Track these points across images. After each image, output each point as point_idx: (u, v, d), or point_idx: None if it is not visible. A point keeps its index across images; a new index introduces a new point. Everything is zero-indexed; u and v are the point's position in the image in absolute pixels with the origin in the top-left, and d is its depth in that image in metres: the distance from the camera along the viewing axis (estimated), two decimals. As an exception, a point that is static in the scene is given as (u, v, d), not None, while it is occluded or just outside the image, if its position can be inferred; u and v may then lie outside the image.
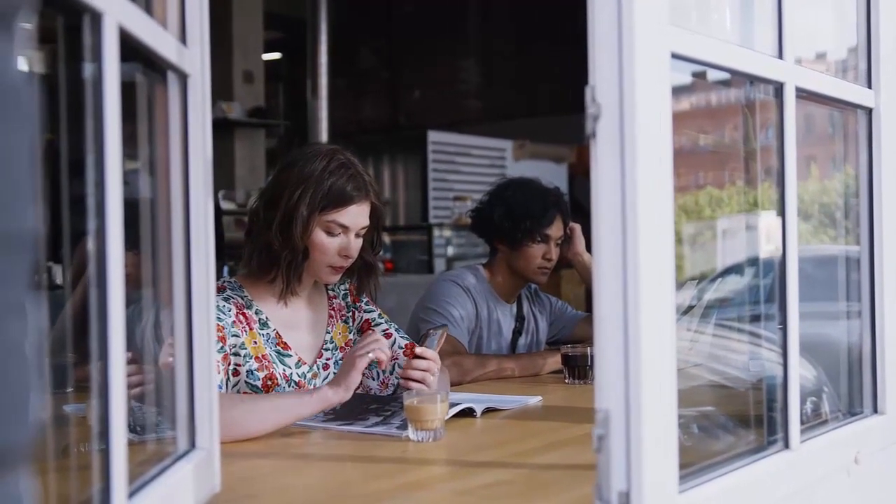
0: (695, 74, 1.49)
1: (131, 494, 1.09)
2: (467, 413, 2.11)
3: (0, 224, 0.57)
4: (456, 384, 2.70)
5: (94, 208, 1.01)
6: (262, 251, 2.22)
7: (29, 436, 0.60)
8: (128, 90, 1.09)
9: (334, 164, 2.20)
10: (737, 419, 1.74)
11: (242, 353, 2.15)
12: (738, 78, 1.61)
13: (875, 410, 1.82)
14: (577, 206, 4.76)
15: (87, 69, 1.02)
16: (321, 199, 2.17)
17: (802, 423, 1.56)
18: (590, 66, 1.20)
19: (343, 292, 2.43)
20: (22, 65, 0.61)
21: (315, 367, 2.30)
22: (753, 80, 1.57)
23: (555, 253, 3.03)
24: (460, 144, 8.20)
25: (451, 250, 7.50)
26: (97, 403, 1.02)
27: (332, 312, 2.39)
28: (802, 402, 1.61)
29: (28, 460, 0.60)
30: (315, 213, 2.18)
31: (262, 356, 2.20)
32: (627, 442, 1.17)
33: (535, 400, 2.36)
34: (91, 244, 1.01)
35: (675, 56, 1.26)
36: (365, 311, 2.44)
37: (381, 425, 1.98)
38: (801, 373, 1.58)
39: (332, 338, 2.37)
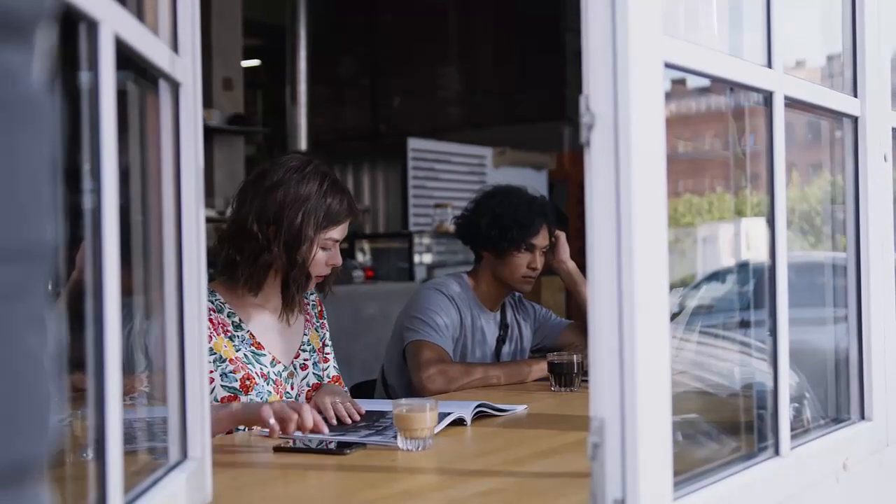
0: (674, 81, 1.49)
1: (126, 506, 1.08)
2: (457, 421, 2.11)
3: (20, 235, 0.57)
4: (442, 392, 2.70)
5: (90, 216, 1.01)
6: (261, 270, 2.26)
7: (49, 447, 0.60)
8: (118, 98, 1.08)
9: (328, 184, 2.29)
10: (724, 426, 1.75)
11: (212, 357, 2.17)
12: (720, 85, 1.62)
13: (862, 417, 1.83)
14: (557, 213, 4.77)
15: (83, 77, 1.02)
16: (324, 219, 2.27)
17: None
18: (584, 75, 1.20)
19: (312, 302, 2.51)
20: (42, 75, 0.61)
21: (292, 367, 2.36)
22: (744, 88, 1.58)
23: (540, 262, 3.03)
24: (440, 152, 8.20)
25: (431, 258, 7.49)
26: (93, 414, 1.02)
27: (308, 316, 2.47)
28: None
29: (47, 471, 0.60)
30: (319, 233, 2.27)
31: (236, 358, 2.24)
32: (623, 450, 1.17)
33: (521, 408, 2.36)
34: (87, 253, 1.01)
35: (667, 65, 1.26)
36: (326, 330, 2.53)
37: (375, 436, 1.97)
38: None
39: (308, 340, 2.44)
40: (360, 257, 7.48)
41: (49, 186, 0.60)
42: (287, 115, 8.59)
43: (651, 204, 1.20)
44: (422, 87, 9.79)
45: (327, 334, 2.53)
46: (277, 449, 1.88)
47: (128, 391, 1.36)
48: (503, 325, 3.16)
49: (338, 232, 2.31)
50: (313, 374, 2.41)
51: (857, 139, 1.84)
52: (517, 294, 3.21)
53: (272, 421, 1.91)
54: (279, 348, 2.35)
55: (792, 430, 1.57)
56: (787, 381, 1.55)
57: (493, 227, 3.00)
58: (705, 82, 1.58)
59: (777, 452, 1.53)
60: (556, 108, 8.78)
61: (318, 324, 2.50)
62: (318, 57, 8.79)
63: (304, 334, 2.44)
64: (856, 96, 1.84)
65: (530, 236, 3.00)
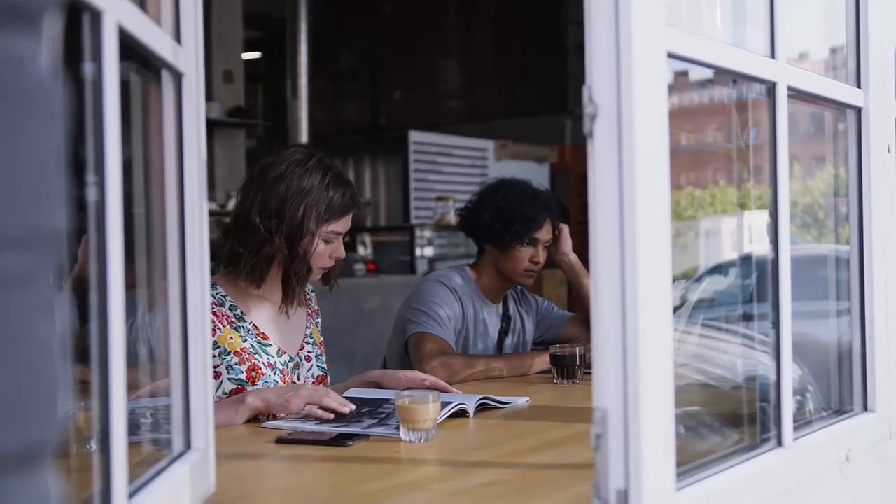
0: (677, 73, 1.49)
1: (131, 495, 1.08)
2: (459, 413, 2.11)
3: (29, 222, 0.57)
4: (444, 385, 2.70)
5: (93, 208, 1.01)
6: (264, 262, 2.28)
7: (57, 434, 0.60)
8: (121, 89, 1.08)
9: (330, 177, 2.30)
10: (727, 418, 1.75)
11: (216, 351, 2.19)
12: (723, 77, 1.62)
13: (865, 408, 1.83)
14: (561, 207, 4.78)
15: (87, 67, 1.01)
16: (325, 212, 2.28)
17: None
18: (587, 65, 1.20)
19: (312, 298, 2.54)
20: (49, 63, 0.61)
21: (297, 358, 2.39)
22: (747, 79, 1.58)
23: (542, 256, 3.03)
24: (442, 144, 8.19)
25: (433, 251, 7.49)
26: (97, 405, 1.02)
27: (310, 311, 2.50)
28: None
29: (55, 458, 0.60)
30: (321, 226, 2.28)
31: (241, 349, 2.26)
32: (626, 440, 1.17)
33: (523, 400, 2.36)
34: (91, 245, 1.01)
35: (670, 56, 1.26)
36: (320, 328, 2.56)
37: (378, 426, 1.98)
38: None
39: (310, 333, 2.47)
40: (361, 250, 7.49)
41: (58, 174, 0.60)
42: (288, 108, 8.59)
43: (654, 194, 1.20)
44: (422, 80, 9.78)
45: (320, 332, 2.56)
46: (280, 440, 1.89)
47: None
48: (506, 318, 3.16)
49: (340, 225, 2.32)
50: (317, 366, 2.44)
51: (860, 130, 1.84)
52: (519, 287, 3.21)
53: (306, 409, 2.06)
54: (283, 339, 2.37)
55: (795, 422, 1.57)
56: (791, 372, 1.55)
57: (496, 220, 3.00)
58: (708, 74, 1.58)
59: (780, 443, 1.53)
60: (557, 101, 8.78)
61: (317, 320, 2.53)
62: (319, 50, 8.79)
63: (307, 327, 2.46)
64: (859, 87, 1.84)
65: (534, 230, 3.00)
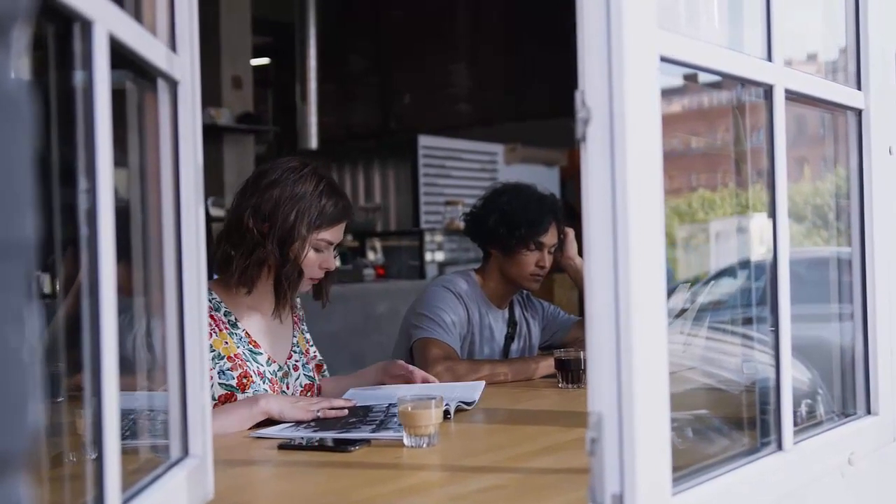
0: (686, 77, 1.49)
1: (126, 501, 1.08)
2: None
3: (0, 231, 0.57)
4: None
5: (85, 216, 1.01)
6: (255, 265, 2.30)
7: (27, 442, 0.60)
8: (117, 97, 1.08)
9: (324, 186, 2.33)
10: (730, 421, 1.74)
11: (211, 355, 2.20)
12: (728, 80, 1.61)
13: (868, 411, 1.82)
14: (569, 210, 4.77)
15: (78, 77, 1.02)
16: (316, 219, 2.30)
17: (797, 425, 1.56)
18: (579, 70, 1.20)
19: (298, 303, 2.57)
20: (19, 73, 0.61)
21: (286, 367, 2.41)
22: (743, 82, 1.57)
23: (548, 260, 3.03)
24: (451, 149, 8.18)
25: (442, 255, 7.48)
26: (91, 412, 1.02)
27: (296, 320, 2.52)
28: (797, 404, 1.61)
29: (26, 466, 0.61)
30: (312, 232, 2.30)
31: (235, 355, 2.29)
32: (620, 444, 1.17)
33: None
34: (83, 253, 1.01)
35: (664, 59, 1.26)
36: (307, 332, 2.58)
37: (380, 430, 1.98)
38: (795, 375, 1.58)
39: (297, 342, 2.49)
40: (371, 255, 7.48)
41: (28, 183, 0.60)
42: (297, 113, 8.59)
43: (647, 199, 1.20)
44: (431, 84, 9.78)
45: (308, 336, 2.57)
46: (282, 447, 1.89)
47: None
48: (512, 323, 3.16)
49: (331, 234, 2.34)
50: (304, 375, 2.46)
51: (861, 132, 1.83)
52: (525, 291, 3.21)
53: (321, 413, 2.14)
54: (273, 348, 2.39)
55: (802, 425, 1.56)
56: (790, 375, 1.54)
57: (501, 224, 2.99)
58: (717, 77, 1.58)
59: (780, 447, 1.52)
60: (566, 103, 8.75)
61: (303, 327, 2.56)
62: (328, 55, 8.80)
63: (293, 336, 2.49)
64: (860, 89, 1.83)
65: (539, 234, 2.99)
